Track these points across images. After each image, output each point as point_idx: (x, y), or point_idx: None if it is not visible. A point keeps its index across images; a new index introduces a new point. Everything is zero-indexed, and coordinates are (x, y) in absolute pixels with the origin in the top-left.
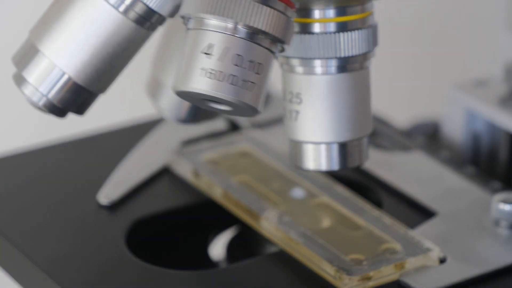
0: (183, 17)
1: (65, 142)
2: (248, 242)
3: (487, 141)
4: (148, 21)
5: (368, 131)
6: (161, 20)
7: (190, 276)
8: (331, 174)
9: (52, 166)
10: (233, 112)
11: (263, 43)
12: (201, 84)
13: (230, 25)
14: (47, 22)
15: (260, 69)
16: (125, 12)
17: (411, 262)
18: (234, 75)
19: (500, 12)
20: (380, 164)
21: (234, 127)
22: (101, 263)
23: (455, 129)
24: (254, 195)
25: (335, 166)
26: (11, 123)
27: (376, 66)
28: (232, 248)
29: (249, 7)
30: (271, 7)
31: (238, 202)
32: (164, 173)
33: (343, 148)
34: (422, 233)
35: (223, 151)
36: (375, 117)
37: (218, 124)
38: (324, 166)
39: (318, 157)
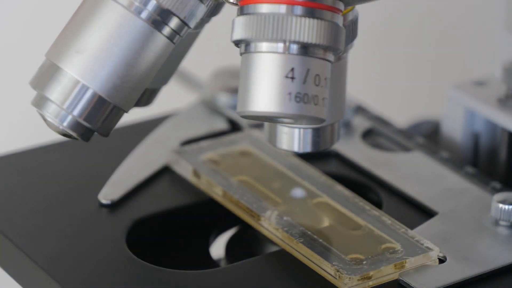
0: (241, 41)
1: (65, 141)
2: (248, 242)
3: (486, 141)
4: (178, 35)
5: (341, 117)
6: (186, 33)
7: (190, 276)
8: (331, 174)
9: (53, 165)
10: (295, 122)
11: (328, 57)
12: (289, 108)
13: (303, 47)
14: (67, 41)
15: (329, 83)
16: (160, 28)
17: (411, 262)
18: (316, 95)
19: (499, 13)
20: (380, 164)
21: (234, 127)
22: (101, 263)
23: (455, 129)
24: (254, 194)
25: (308, 149)
26: (11, 124)
27: (376, 66)
28: (232, 248)
29: (319, 26)
30: (330, 21)
31: (238, 202)
32: (165, 173)
33: (316, 132)
34: (421, 233)
35: (223, 151)
36: (376, 116)
37: (219, 124)
38: (296, 148)
39: (292, 140)
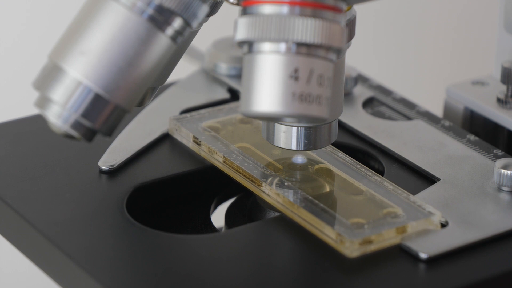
0: (244, 41)
1: None
2: (248, 209)
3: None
4: (180, 35)
5: (338, 115)
6: (188, 33)
7: (189, 240)
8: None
9: (53, 133)
10: (299, 121)
11: (331, 57)
12: (293, 107)
13: (306, 47)
14: (70, 42)
15: (332, 82)
16: (163, 28)
17: (413, 226)
18: (319, 95)
19: (499, 14)
20: (382, 132)
21: (234, 96)
22: (101, 227)
23: None
24: (255, 161)
25: (306, 147)
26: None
27: (376, 66)
28: (232, 215)
29: (323, 27)
30: (333, 21)
31: (239, 168)
32: (165, 140)
33: (315, 131)
34: (423, 198)
35: (223, 118)
36: (378, 85)
37: (219, 92)
38: (294, 146)
39: (289, 138)
